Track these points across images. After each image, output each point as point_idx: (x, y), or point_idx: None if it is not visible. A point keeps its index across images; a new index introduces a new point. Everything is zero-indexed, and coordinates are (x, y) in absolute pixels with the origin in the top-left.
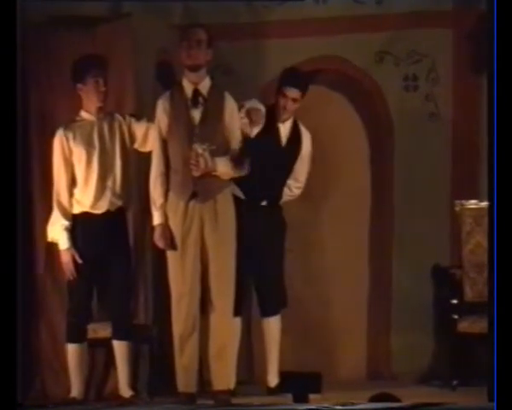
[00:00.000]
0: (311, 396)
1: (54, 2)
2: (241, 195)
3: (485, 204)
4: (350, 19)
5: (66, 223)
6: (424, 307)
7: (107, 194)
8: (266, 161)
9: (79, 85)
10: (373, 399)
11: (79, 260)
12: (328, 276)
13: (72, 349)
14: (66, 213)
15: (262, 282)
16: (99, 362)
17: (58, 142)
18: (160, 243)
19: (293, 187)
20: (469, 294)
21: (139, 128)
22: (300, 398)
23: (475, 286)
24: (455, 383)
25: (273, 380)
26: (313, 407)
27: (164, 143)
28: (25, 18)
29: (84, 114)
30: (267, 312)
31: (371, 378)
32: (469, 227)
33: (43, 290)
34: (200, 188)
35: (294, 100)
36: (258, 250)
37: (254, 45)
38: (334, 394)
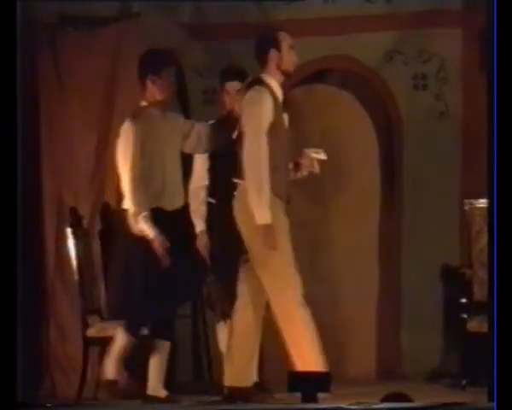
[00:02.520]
0: (320, 395)
1: (64, 2)
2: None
3: None
4: (359, 18)
5: (146, 213)
6: (433, 306)
7: (178, 190)
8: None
9: (152, 77)
10: (385, 398)
11: (168, 244)
12: (338, 275)
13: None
14: (144, 205)
15: None
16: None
17: (128, 134)
18: (267, 243)
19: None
20: (478, 293)
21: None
22: (309, 397)
23: (484, 286)
24: (464, 382)
25: None
26: (327, 406)
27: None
28: (35, 17)
29: (151, 108)
30: None
31: (381, 377)
32: (479, 227)
33: (53, 291)
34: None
35: (238, 92)
36: None
37: None
38: (344, 393)
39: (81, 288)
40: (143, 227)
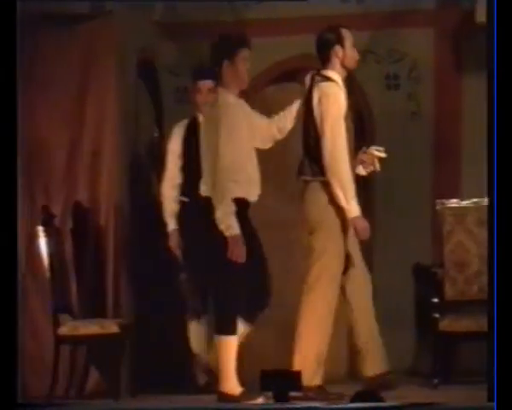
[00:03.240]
0: (292, 394)
1: (37, 1)
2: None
3: (466, 203)
4: (331, 17)
5: (233, 208)
6: (405, 305)
7: (257, 182)
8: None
9: (226, 62)
10: (355, 397)
11: (244, 246)
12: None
13: (224, 341)
14: (229, 198)
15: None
16: (79, 360)
17: (218, 122)
18: (362, 234)
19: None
20: (450, 293)
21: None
22: (281, 396)
23: (456, 285)
24: (436, 381)
25: None
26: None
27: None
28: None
29: (230, 94)
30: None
31: (352, 376)
32: (450, 226)
33: (24, 290)
34: None
35: (210, 90)
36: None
37: None
38: (315, 392)
39: (52, 286)
40: (229, 222)
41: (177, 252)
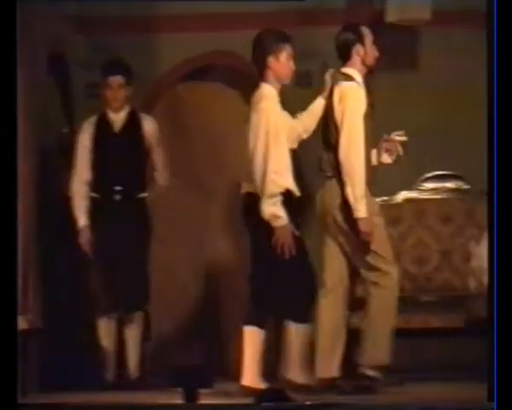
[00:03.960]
0: (202, 391)
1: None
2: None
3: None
4: (243, 15)
5: (280, 198)
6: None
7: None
8: (107, 153)
9: (270, 58)
10: (263, 395)
11: (298, 234)
12: (219, 272)
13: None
14: (277, 190)
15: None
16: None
17: (265, 116)
18: (366, 235)
19: (158, 178)
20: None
21: None
22: (191, 393)
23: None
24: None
25: None
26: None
27: None
28: None
29: (269, 90)
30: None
31: (263, 375)
32: None
33: None
34: None
35: (120, 86)
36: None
37: (147, 39)
38: (225, 390)
39: None
40: (277, 212)
41: (88, 249)
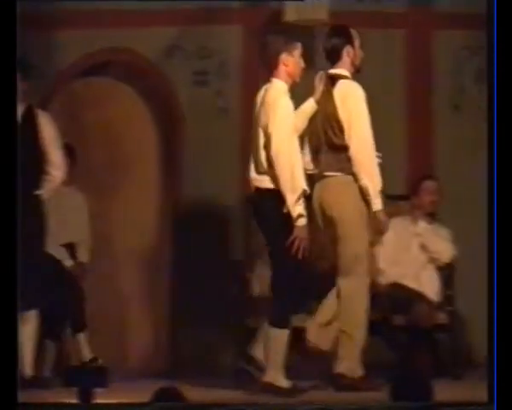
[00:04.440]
0: (97, 390)
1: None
2: None
3: None
4: (141, 12)
5: (302, 199)
6: (212, 302)
7: None
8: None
9: (284, 55)
10: (156, 394)
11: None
12: (121, 271)
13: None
14: (301, 187)
15: None
16: None
17: (288, 109)
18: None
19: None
20: (257, 289)
21: None
22: (86, 392)
23: (263, 281)
24: None
25: None
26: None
27: None
28: None
29: (281, 86)
30: None
31: (157, 374)
32: None
33: None
34: None
35: None
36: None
37: (46, 35)
38: (122, 389)
39: None
40: (302, 211)
41: None
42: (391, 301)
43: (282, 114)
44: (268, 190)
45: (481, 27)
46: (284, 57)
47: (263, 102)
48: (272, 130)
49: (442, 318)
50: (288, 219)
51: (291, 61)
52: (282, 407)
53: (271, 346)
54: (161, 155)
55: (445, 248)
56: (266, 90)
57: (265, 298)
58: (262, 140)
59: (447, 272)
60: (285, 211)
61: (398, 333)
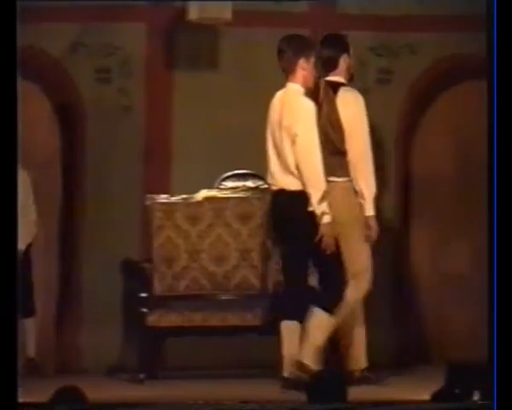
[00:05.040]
0: None
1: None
2: None
3: (175, 199)
4: (45, 8)
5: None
6: (113, 300)
7: None
8: None
9: (302, 60)
10: (57, 393)
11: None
12: None
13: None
14: (324, 187)
15: None
16: None
17: (312, 112)
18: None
19: None
20: (158, 288)
21: None
22: None
23: (164, 280)
24: (142, 376)
25: None
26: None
27: None
28: None
29: (299, 89)
30: None
31: (60, 371)
32: (160, 222)
33: None
34: None
35: None
36: None
37: None
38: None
39: None
40: (326, 209)
41: None
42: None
43: (307, 116)
44: (293, 191)
45: (388, 29)
46: (302, 62)
47: (283, 105)
48: (298, 131)
49: None
50: (313, 219)
51: (308, 67)
52: None
53: (314, 330)
54: (64, 154)
55: None
56: (285, 93)
57: (167, 297)
58: (286, 141)
59: None
60: (310, 210)
61: None
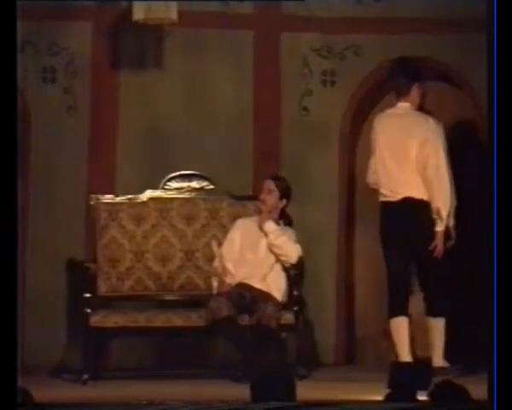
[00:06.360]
0: None
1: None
2: None
3: (120, 199)
4: None
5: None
6: (57, 300)
7: None
8: None
9: (417, 84)
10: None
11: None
12: None
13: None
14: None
15: None
16: None
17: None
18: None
19: None
20: (102, 288)
21: None
22: None
23: (108, 280)
24: (85, 376)
25: None
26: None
27: None
28: None
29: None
30: None
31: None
32: (104, 221)
33: None
34: None
35: None
36: None
37: None
38: None
39: None
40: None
41: None
42: (237, 302)
43: (438, 134)
44: (419, 200)
45: (333, 31)
46: (414, 87)
47: (406, 118)
48: (433, 147)
49: (288, 318)
50: (431, 227)
51: (416, 93)
52: None
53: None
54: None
55: (291, 249)
56: (403, 109)
57: (111, 297)
58: (416, 150)
59: (295, 273)
60: (433, 218)
61: (245, 333)
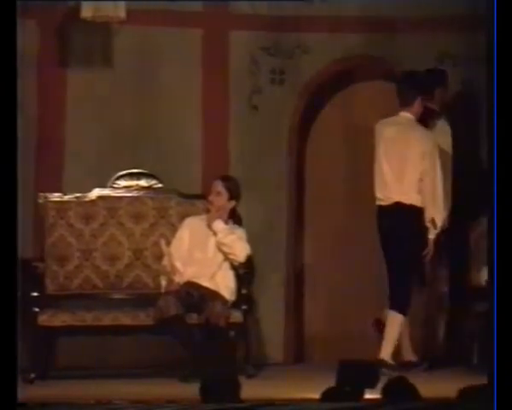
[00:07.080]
0: None
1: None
2: None
3: (68, 197)
4: None
5: None
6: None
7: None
8: None
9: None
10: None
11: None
12: None
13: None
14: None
15: None
16: None
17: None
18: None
19: None
20: (50, 287)
21: None
22: None
23: (56, 279)
24: (32, 375)
25: None
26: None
27: None
28: None
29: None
30: None
31: None
32: (53, 220)
33: None
34: None
35: None
36: None
37: None
38: None
39: None
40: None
41: None
42: (185, 300)
43: (435, 145)
44: (409, 205)
45: (281, 29)
46: (419, 100)
47: (407, 129)
48: (430, 162)
49: (236, 316)
50: (423, 233)
51: (420, 105)
52: None
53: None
54: None
55: (240, 248)
56: (404, 119)
57: (59, 296)
58: (414, 161)
59: (243, 272)
60: (425, 225)
61: (193, 332)
